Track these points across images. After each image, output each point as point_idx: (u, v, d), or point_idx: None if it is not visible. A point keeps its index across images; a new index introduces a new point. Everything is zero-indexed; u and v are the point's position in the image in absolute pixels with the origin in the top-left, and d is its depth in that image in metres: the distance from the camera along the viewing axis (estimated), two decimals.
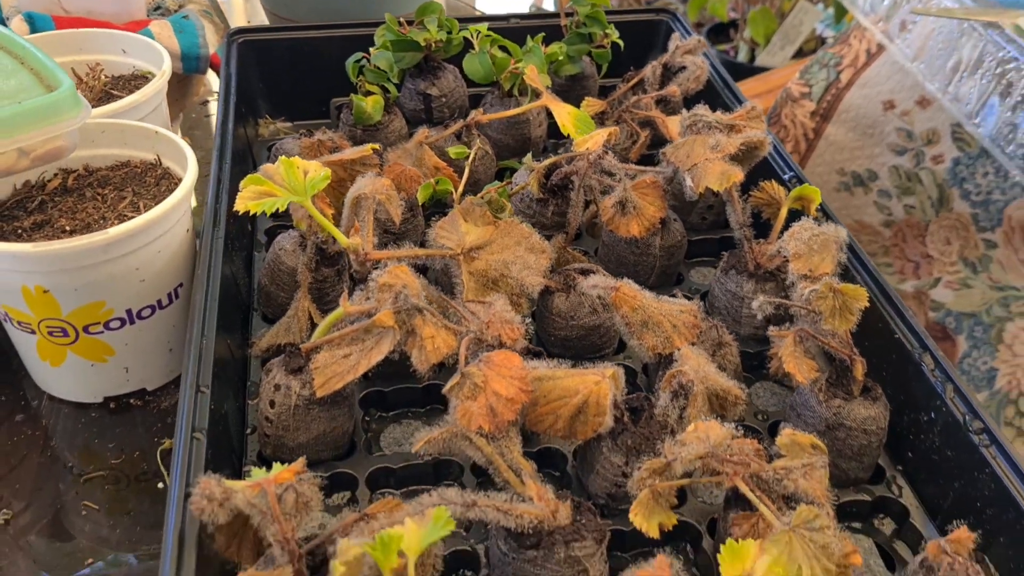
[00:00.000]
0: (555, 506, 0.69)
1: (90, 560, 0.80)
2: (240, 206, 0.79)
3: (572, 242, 0.96)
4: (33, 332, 0.84)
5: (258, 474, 0.67)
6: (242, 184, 0.79)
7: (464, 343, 0.74)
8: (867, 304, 0.75)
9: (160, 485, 0.85)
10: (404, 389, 0.87)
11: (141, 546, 0.81)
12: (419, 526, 0.61)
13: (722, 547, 0.61)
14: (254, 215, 1.06)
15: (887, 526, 0.80)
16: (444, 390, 0.72)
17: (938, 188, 1.29)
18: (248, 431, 0.83)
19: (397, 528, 0.59)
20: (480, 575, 0.74)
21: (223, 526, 0.68)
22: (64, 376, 0.89)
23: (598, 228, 1.02)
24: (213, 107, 1.49)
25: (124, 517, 0.83)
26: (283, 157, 0.81)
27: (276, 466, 0.68)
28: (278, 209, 0.79)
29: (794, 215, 0.89)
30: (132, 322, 0.86)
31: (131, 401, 0.91)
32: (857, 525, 0.79)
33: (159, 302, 0.87)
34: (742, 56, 2.38)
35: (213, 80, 1.53)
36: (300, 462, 0.68)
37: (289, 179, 0.80)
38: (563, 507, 0.69)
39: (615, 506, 0.76)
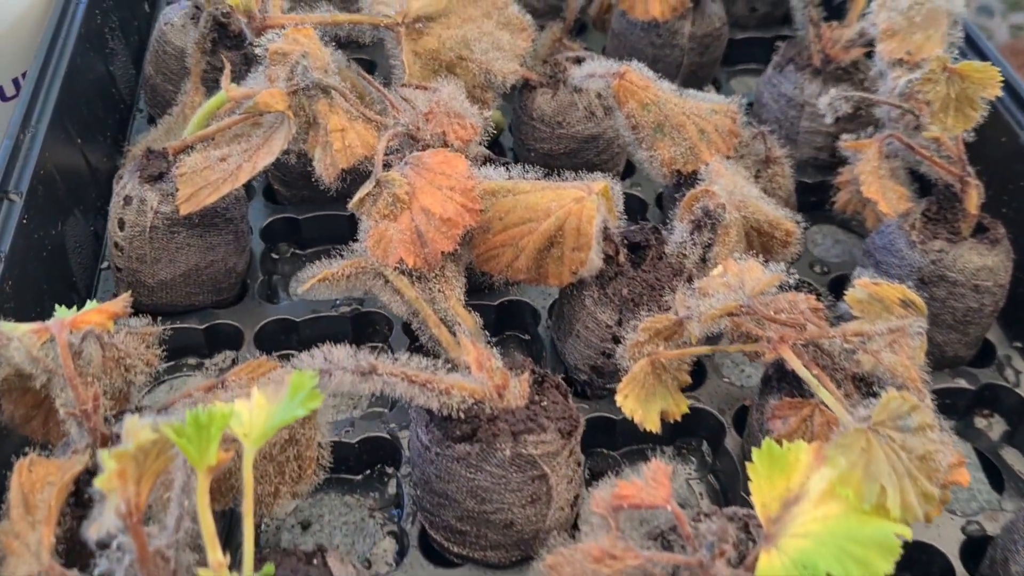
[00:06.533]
0: (502, 379, 0.45)
1: None
2: None
3: (570, 34, 0.70)
4: None
5: (61, 313, 0.45)
6: None
7: (386, 137, 0.50)
8: (999, 93, 0.49)
9: None
10: (328, 217, 0.64)
11: None
12: (268, 399, 0.38)
13: (754, 450, 0.38)
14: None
15: (995, 427, 0.56)
16: (351, 204, 0.49)
17: None
18: (103, 265, 0.60)
19: (224, 404, 0.36)
20: (402, 472, 0.51)
21: (9, 390, 0.46)
22: None
23: (607, 20, 0.76)
24: None
25: None
26: None
27: (91, 304, 0.46)
28: None
29: None
30: None
31: None
32: (950, 424, 0.55)
33: (1, 90, 0.64)
34: None
35: None
36: (121, 300, 0.46)
37: None
38: (516, 381, 0.46)
39: (601, 384, 0.53)
